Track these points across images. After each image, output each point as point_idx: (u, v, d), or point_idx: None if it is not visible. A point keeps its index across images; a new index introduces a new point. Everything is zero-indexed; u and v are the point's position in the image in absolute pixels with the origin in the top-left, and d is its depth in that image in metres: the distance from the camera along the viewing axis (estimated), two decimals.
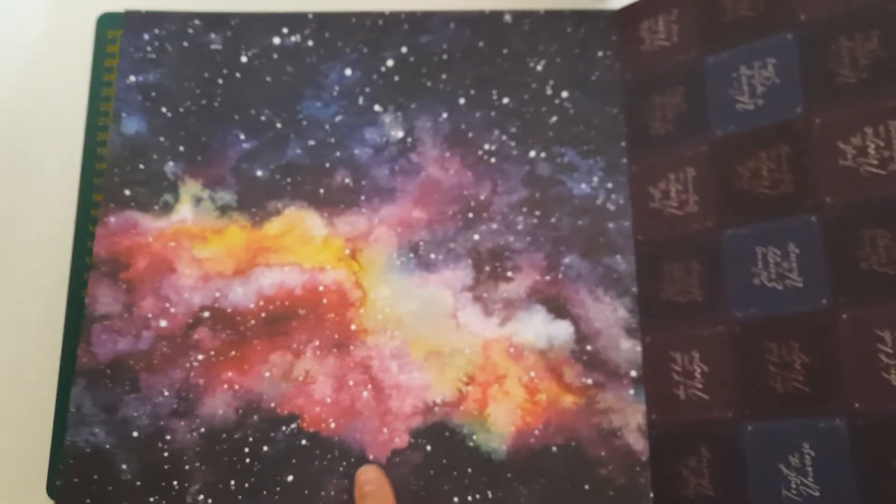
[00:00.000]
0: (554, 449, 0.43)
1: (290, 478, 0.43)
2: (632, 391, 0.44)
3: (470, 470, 0.43)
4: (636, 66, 0.48)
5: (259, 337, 0.45)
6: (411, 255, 0.46)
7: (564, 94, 0.48)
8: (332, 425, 0.43)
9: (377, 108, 0.48)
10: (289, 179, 0.47)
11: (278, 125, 0.48)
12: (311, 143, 0.47)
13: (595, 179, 0.47)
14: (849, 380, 0.37)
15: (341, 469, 0.43)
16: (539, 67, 0.48)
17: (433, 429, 0.43)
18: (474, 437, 0.43)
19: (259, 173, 0.47)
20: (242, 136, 0.48)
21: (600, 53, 0.48)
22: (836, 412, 0.37)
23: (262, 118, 0.48)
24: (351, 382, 0.44)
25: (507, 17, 0.49)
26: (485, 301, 0.45)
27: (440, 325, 0.45)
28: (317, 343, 0.44)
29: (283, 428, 0.43)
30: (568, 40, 0.48)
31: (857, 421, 0.37)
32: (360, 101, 0.48)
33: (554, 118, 0.47)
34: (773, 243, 0.41)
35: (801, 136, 0.41)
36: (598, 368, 0.44)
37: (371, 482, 0.41)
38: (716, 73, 0.45)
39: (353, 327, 0.44)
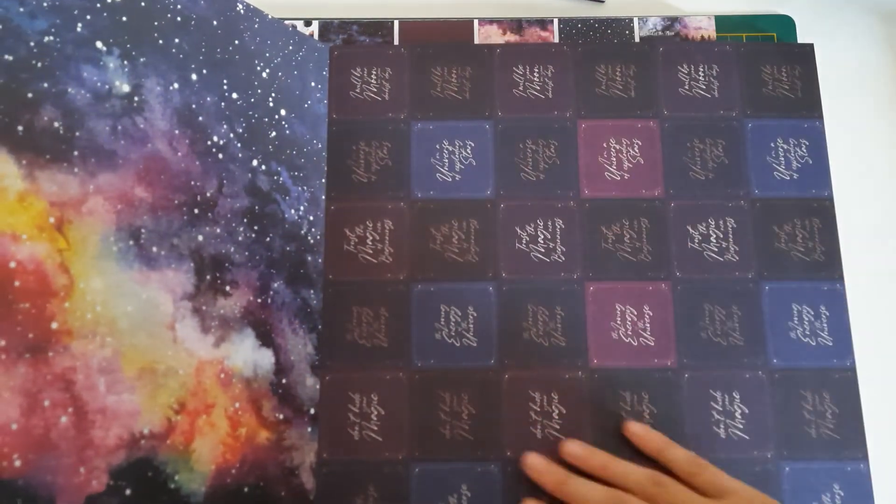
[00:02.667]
0: (245, 490, 0.39)
1: None
2: (309, 429, 0.43)
3: None
4: (344, 108, 0.49)
5: None
6: (131, 242, 0.35)
7: (283, 111, 0.45)
8: (18, 463, 0.29)
9: (100, 44, 0.36)
10: None
11: None
12: (8, 57, 0.33)
13: (302, 208, 0.45)
14: (505, 431, 0.45)
15: None
16: (265, 75, 0.44)
17: (136, 467, 0.34)
18: (176, 478, 0.36)
19: None
20: None
21: (313, 84, 0.47)
22: (492, 459, 0.44)
23: None
24: (47, 403, 0.31)
25: (240, 7, 0.44)
26: (203, 315, 0.38)
27: (157, 337, 0.36)
28: (2, 343, 0.30)
29: None
30: (288, 58, 0.46)
31: (509, 467, 0.44)
32: (80, 28, 0.36)
33: (273, 133, 0.44)
34: (456, 304, 0.47)
35: (488, 215, 0.48)
36: (289, 403, 0.42)
37: None
38: (421, 139, 0.49)
39: (54, 326, 0.31)
